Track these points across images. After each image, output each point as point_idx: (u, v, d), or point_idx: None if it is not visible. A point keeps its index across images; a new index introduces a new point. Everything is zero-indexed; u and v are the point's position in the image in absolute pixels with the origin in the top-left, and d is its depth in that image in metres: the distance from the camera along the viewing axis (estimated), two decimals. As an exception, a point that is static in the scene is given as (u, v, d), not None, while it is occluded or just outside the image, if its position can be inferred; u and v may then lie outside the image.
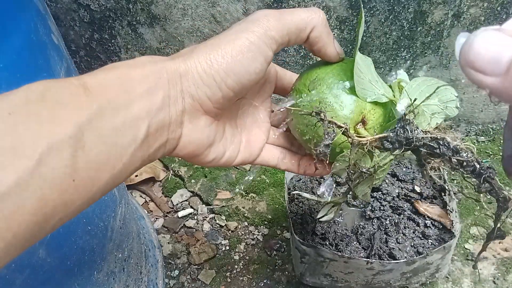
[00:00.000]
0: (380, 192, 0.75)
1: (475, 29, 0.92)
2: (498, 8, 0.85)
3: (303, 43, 0.34)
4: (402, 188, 0.76)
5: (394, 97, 0.36)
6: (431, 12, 0.87)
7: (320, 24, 0.33)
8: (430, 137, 0.30)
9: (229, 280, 0.79)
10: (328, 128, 0.31)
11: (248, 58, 0.30)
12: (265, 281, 0.78)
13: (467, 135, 1.04)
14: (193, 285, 0.78)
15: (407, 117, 0.31)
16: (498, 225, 0.31)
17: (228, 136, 0.36)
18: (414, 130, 0.30)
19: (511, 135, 0.20)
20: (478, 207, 0.87)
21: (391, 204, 0.73)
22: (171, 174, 1.00)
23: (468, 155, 0.28)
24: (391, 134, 0.31)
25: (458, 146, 0.29)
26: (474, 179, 0.28)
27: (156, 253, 0.78)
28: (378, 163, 0.38)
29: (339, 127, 0.31)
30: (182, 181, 0.99)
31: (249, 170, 0.99)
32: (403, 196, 0.74)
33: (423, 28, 0.89)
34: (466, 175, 0.29)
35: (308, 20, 0.32)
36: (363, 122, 0.36)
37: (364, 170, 0.34)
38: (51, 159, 0.21)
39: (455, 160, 0.28)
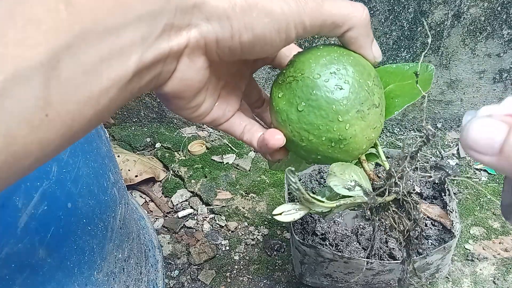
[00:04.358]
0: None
1: (475, 29, 0.91)
2: (499, 8, 0.85)
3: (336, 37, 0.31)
4: (402, 188, 0.76)
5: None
6: (431, 12, 0.87)
7: (360, 25, 0.29)
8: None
9: (229, 280, 0.79)
10: None
11: (271, 26, 0.26)
12: (265, 281, 0.78)
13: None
14: (193, 285, 0.78)
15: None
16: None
17: (210, 87, 0.32)
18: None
19: (511, 188, 0.24)
20: (478, 208, 0.87)
21: (391, 204, 0.73)
22: (171, 174, 1.00)
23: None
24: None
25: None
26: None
27: (156, 253, 0.78)
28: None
29: None
30: (182, 181, 0.99)
31: (249, 170, 0.99)
32: (403, 196, 0.74)
33: (423, 28, 0.89)
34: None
35: (348, 17, 0.29)
36: None
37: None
38: (17, 89, 0.18)
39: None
